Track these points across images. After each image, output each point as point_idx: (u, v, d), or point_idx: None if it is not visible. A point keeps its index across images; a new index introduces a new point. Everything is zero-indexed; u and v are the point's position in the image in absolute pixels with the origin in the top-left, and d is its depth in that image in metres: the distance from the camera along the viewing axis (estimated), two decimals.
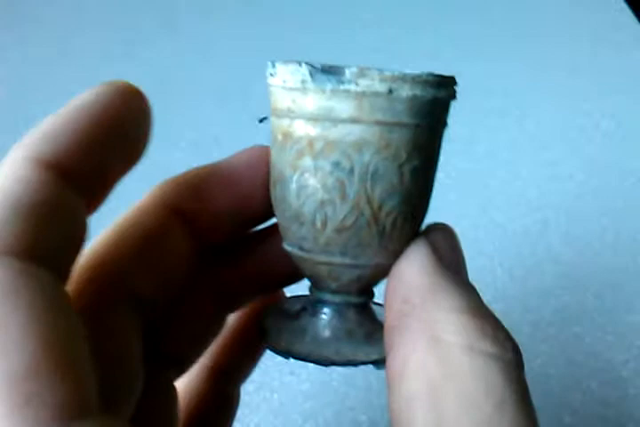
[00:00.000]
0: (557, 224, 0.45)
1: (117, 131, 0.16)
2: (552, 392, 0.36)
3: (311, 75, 0.17)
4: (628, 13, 0.66)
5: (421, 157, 0.18)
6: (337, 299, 0.20)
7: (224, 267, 0.22)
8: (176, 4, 0.70)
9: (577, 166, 0.50)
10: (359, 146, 0.17)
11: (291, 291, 0.23)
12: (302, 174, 0.18)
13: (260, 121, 0.62)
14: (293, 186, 0.18)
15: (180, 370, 0.22)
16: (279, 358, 0.20)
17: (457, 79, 0.18)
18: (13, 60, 0.64)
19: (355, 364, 0.19)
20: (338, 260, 0.18)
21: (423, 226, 0.20)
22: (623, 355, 0.38)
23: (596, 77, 0.59)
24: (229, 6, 0.69)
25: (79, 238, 0.15)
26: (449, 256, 0.18)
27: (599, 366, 0.37)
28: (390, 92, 0.17)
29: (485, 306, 0.17)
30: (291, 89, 0.18)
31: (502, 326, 0.17)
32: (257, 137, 0.50)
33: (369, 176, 0.17)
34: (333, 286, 0.19)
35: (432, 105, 0.18)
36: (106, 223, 0.19)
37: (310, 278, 0.20)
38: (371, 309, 0.21)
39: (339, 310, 0.20)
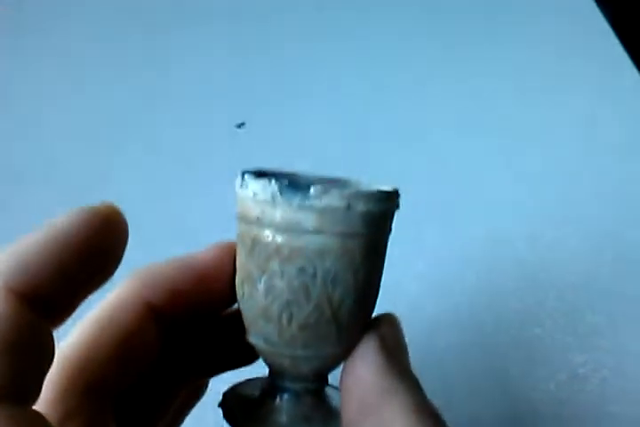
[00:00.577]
0: (521, 228, 0.47)
1: (92, 261, 0.17)
2: (511, 392, 0.37)
3: (280, 191, 0.19)
4: (598, 18, 0.67)
5: (372, 260, 0.20)
6: (296, 386, 0.22)
7: (183, 348, 0.24)
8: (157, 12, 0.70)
9: (543, 172, 0.51)
10: (321, 253, 0.19)
11: None
12: (270, 277, 0.20)
13: (238, 126, 0.62)
14: (261, 286, 0.20)
15: None
16: None
17: (399, 191, 0.21)
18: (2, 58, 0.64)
19: None
20: (300, 353, 0.20)
21: None
22: (582, 356, 0.39)
23: (564, 85, 0.60)
24: (216, 11, 0.70)
25: (49, 362, 0.16)
26: (396, 349, 0.21)
27: (558, 367, 0.39)
28: (348, 207, 0.19)
29: (429, 403, 0.19)
30: (260, 201, 0.20)
31: (442, 421, 0.19)
32: (235, 143, 0.50)
33: (330, 280, 0.19)
34: (294, 374, 0.21)
35: (381, 216, 0.20)
36: None
37: (272, 367, 0.22)
38: (325, 393, 0.23)
39: (297, 396, 0.22)
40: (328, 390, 0.23)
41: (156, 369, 0.23)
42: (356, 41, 0.66)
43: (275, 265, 0.20)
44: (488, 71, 0.62)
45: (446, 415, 0.19)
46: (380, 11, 0.69)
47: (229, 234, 0.23)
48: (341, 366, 0.21)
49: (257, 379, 0.24)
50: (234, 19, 0.69)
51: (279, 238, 0.19)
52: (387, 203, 0.20)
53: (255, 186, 0.20)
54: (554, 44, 0.65)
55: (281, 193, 0.19)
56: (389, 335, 0.21)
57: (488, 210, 0.48)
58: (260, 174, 0.20)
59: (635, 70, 0.60)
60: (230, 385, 0.24)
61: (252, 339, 0.21)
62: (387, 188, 0.21)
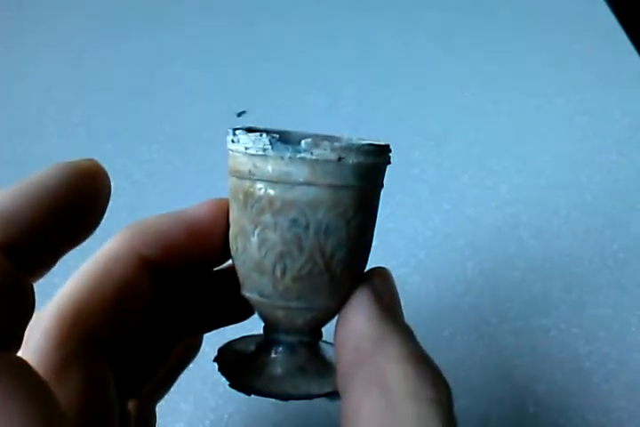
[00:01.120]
0: (528, 218, 0.46)
1: (72, 216, 0.17)
2: (517, 382, 0.37)
3: (271, 144, 0.19)
4: (603, 7, 0.67)
5: (364, 213, 0.21)
6: (290, 338, 0.22)
7: (178, 302, 0.24)
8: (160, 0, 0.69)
9: (548, 161, 0.51)
10: (314, 205, 0.20)
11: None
12: (263, 229, 0.20)
13: (239, 115, 0.62)
14: (254, 239, 0.20)
15: (132, 395, 0.24)
16: None
17: (391, 147, 0.21)
18: None
19: (310, 397, 0.21)
20: (294, 304, 0.21)
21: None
22: (587, 347, 0.39)
23: (568, 73, 0.60)
24: (214, 3, 0.69)
25: (29, 313, 0.16)
26: (389, 300, 0.21)
27: (564, 358, 0.38)
28: (339, 159, 0.19)
29: (422, 349, 0.19)
30: (252, 155, 0.20)
31: (438, 371, 0.19)
32: None
33: (322, 231, 0.20)
34: (288, 327, 0.22)
35: (372, 170, 0.20)
36: None
37: (266, 320, 0.22)
38: (319, 347, 0.23)
39: (292, 349, 0.22)
40: (322, 345, 0.23)
41: (151, 323, 0.23)
42: (358, 30, 0.65)
43: (267, 218, 0.20)
44: (491, 60, 0.61)
45: None
46: (383, 1, 0.69)
47: None
48: (335, 320, 0.21)
49: (252, 336, 0.24)
50: (236, 7, 0.68)
51: (271, 191, 0.20)
52: (378, 156, 0.20)
53: (246, 140, 0.20)
54: (558, 33, 0.65)
55: (272, 146, 0.19)
56: (382, 287, 0.21)
57: (493, 200, 0.47)
58: (251, 131, 0.21)
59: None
60: (225, 342, 0.24)
61: (247, 292, 0.22)
62: (378, 142, 0.21)
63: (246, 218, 0.20)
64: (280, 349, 0.22)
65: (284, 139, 0.20)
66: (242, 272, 0.21)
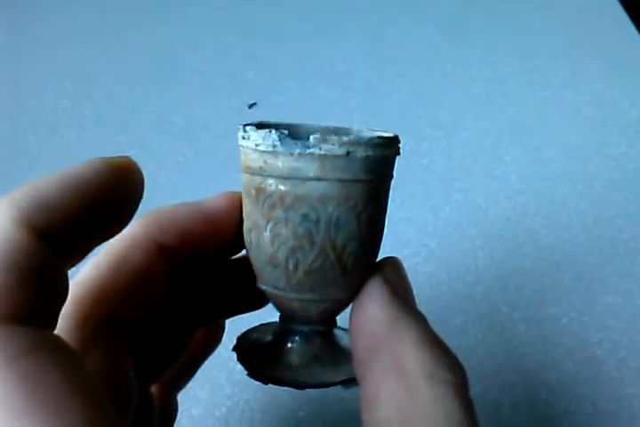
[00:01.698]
0: (538, 208, 0.46)
1: (107, 209, 0.18)
2: (529, 371, 0.37)
3: (280, 140, 0.20)
4: (613, 1, 0.67)
5: (375, 205, 0.21)
6: (305, 328, 0.23)
7: (195, 291, 0.25)
8: None
9: (557, 152, 0.51)
10: (324, 200, 0.20)
11: None
12: (275, 224, 0.20)
13: (250, 107, 0.62)
14: (267, 234, 0.21)
15: (154, 381, 0.25)
16: None
17: (400, 138, 0.22)
18: (4, 44, 0.63)
19: (326, 385, 0.22)
20: (308, 296, 0.21)
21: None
22: (598, 335, 0.39)
23: (576, 65, 0.60)
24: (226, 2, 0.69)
25: (63, 297, 0.17)
26: (401, 288, 0.21)
27: (574, 346, 0.38)
28: (348, 154, 0.20)
29: (437, 336, 0.20)
30: (262, 152, 0.20)
31: (453, 354, 0.19)
32: (244, 122, 0.50)
33: (332, 225, 0.20)
34: (303, 317, 0.22)
35: (382, 162, 0.21)
36: None
37: (282, 311, 0.23)
38: (334, 335, 0.24)
39: (307, 338, 0.23)
40: (337, 332, 0.24)
41: (169, 310, 0.24)
42: (367, 21, 0.65)
43: (279, 213, 0.20)
44: (501, 52, 0.61)
45: None
46: None
47: None
48: (349, 309, 0.22)
49: (270, 324, 0.25)
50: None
51: (282, 187, 0.20)
52: (386, 148, 0.20)
53: (256, 137, 0.20)
54: (567, 25, 0.65)
55: (281, 142, 0.20)
56: (394, 276, 0.21)
57: (503, 190, 0.48)
58: (261, 126, 0.21)
59: None
60: (244, 331, 0.25)
61: (262, 285, 0.22)
62: (387, 134, 0.21)
63: (259, 213, 0.21)
64: (296, 338, 0.23)
65: (293, 134, 0.20)
66: (257, 265, 0.22)
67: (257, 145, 0.20)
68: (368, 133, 0.22)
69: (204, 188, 0.47)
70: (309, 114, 0.54)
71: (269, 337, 0.24)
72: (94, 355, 0.19)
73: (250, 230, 0.22)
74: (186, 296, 0.24)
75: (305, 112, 0.54)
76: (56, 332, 0.18)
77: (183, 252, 0.23)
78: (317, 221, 0.20)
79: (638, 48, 0.61)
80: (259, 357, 0.23)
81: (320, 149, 0.19)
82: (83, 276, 0.21)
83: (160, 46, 0.62)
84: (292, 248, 0.20)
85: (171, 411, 0.27)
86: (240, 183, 0.22)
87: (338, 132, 0.23)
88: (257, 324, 0.26)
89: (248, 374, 0.22)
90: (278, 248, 0.20)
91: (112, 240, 0.22)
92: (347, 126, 0.24)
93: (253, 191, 0.21)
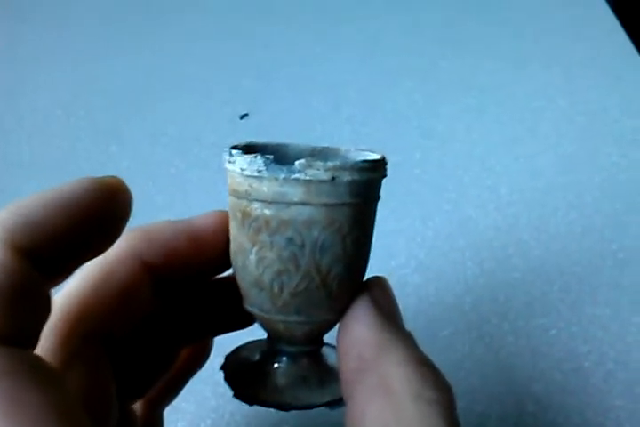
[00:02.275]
0: (528, 219, 0.47)
1: (94, 228, 0.18)
2: (517, 382, 0.37)
3: (266, 166, 0.20)
4: (604, 8, 0.67)
5: (360, 228, 0.21)
6: (292, 349, 0.23)
7: (181, 309, 0.25)
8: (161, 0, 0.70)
9: (549, 162, 0.51)
10: (309, 224, 0.20)
11: None
12: (260, 248, 0.20)
13: (241, 117, 0.63)
14: (253, 257, 0.21)
15: (137, 398, 0.25)
16: None
17: (387, 159, 0.21)
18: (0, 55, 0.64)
19: (311, 407, 0.22)
20: (293, 318, 0.21)
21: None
22: (586, 346, 0.39)
23: (570, 74, 0.60)
24: (217, 5, 0.70)
25: (45, 316, 0.17)
26: (388, 307, 0.21)
27: (562, 357, 0.38)
28: (333, 179, 0.20)
29: (423, 353, 0.20)
30: (248, 176, 0.20)
31: (441, 373, 0.19)
32: (237, 134, 0.51)
33: (317, 249, 0.20)
34: (289, 339, 0.22)
35: (367, 185, 0.21)
36: None
37: (268, 332, 0.23)
38: (321, 354, 0.24)
39: (294, 359, 0.23)
40: (325, 350, 0.24)
41: (153, 328, 0.24)
42: (361, 31, 0.66)
43: (264, 237, 0.20)
44: (494, 61, 0.61)
45: None
46: (386, 1, 0.69)
47: None
48: (337, 329, 0.22)
49: (260, 341, 0.25)
50: (239, 8, 0.69)
51: (267, 211, 0.20)
52: (372, 172, 0.20)
53: (242, 162, 0.20)
54: (560, 34, 0.65)
55: (267, 168, 0.20)
56: (381, 296, 0.22)
57: (494, 201, 0.48)
58: (247, 149, 0.21)
59: None
60: (233, 348, 0.25)
61: (248, 306, 0.22)
62: (373, 156, 0.21)
63: (244, 236, 0.21)
64: (283, 359, 0.23)
65: (279, 156, 0.20)
66: (243, 287, 0.22)
67: (242, 169, 0.20)
68: (355, 155, 0.23)
69: (196, 199, 0.48)
70: (303, 123, 0.54)
71: (257, 356, 0.24)
72: (76, 372, 0.19)
73: (236, 253, 0.22)
74: (171, 314, 0.24)
75: (298, 121, 0.54)
76: (38, 348, 0.19)
77: (168, 269, 0.23)
78: (302, 245, 0.20)
79: (631, 57, 0.61)
80: (245, 377, 0.23)
81: (305, 174, 0.19)
82: (67, 292, 0.21)
83: (154, 57, 0.63)
84: (278, 271, 0.20)
85: None
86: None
87: (325, 153, 0.23)
88: (245, 338, 0.26)
89: (234, 395, 0.22)
90: (264, 271, 0.21)
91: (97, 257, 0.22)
92: (335, 146, 0.24)
93: (239, 214, 0.21)
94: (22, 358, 0.15)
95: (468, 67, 0.61)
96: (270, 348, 0.23)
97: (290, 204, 0.20)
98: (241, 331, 0.26)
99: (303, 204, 0.20)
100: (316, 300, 0.21)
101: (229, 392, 0.22)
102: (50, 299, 0.17)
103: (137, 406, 0.26)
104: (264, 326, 0.23)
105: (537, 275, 0.43)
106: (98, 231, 0.18)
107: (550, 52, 0.63)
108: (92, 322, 0.21)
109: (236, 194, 0.21)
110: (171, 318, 0.25)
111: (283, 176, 0.19)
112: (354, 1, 0.70)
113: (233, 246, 0.22)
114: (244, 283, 0.22)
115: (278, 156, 0.20)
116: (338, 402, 0.22)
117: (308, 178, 0.19)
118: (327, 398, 0.22)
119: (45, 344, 0.19)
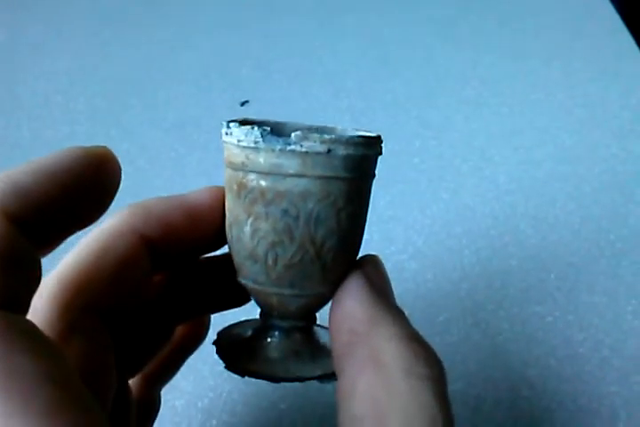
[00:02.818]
0: (526, 208, 0.47)
1: (83, 197, 0.18)
2: (512, 367, 0.38)
3: (262, 137, 0.20)
4: (604, 1, 0.67)
5: (355, 203, 0.21)
6: (285, 324, 0.23)
7: (176, 286, 0.25)
8: None
9: (547, 153, 0.51)
10: (304, 196, 0.20)
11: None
12: (256, 219, 0.21)
13: (242, 104, 0.63)
14: (248, 228, 0.21)
15: (133, 374, 0.25)
16: None
17: (383, 137, 0.22)
18: (1, 42, 0.64)
19: (301, 380, 0.22)
20: (287, 291, 0.21)
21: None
22: (581, 334, 0.39)
23: (569, 67, 0.60)
24: None
25: (36, 283, 0.17)
26: (380, 284, 0.22)
27: (558, 344, 0.39)
28: (329, 151, 0.20)
29: (414, 329, 0.20)
30: (244, 147, 0.20)
31: (431, 349, 0.19)
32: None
33: (312, 221, 0.20)
34: (282, 312, 0.22)
35: (362, 161, 0.21)
36: None
37: (261, 306, 0.23)
38: (313, 331, 0.24)
39: (287, 333, 0.23)
40: (317, 330, 0.24)
41: (150, 304, 0.24)
42: (360, 21, 0.66)
43: (260, 208, 0.20)
44: (493, 53, 0.62)
45: None
46: None
47: None
48: (329, 306, 0.22)
49: (252, 320, 0.25)
50: None
51: (263, 182, 0.20)
52: (368, 148, 0.21)
53: (239, 133, 0.20)
54: (559, 26, 0.65)
55: (263, 139, 0.20)
56: (373, 273, 0.22)
57: (492, 190, 0.48)
58: (245, 123, 0.21)
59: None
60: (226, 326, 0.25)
61: (242, 279, 0.22)
62: (369, 133, 0.21)
63: (240, 208, 0.21)
64: (275, 333, 0.23)
65: (275, 131, 0.20)
66: (237, 260, 0.22)
67: (239, 141, 0.20)
68: (351, 132, 0.23)
69: (195, 183, 0.47)
70: (301, 112, 0.54)
71: (250, 332, 0.24)
72: (75, 342, 0.19)
73: (231, 225, 0.22)
74: (167, 291, 0.25)
75: (297, 111, 0.54)
76: (39, 318, 0.18)
77: (165, 244, 0.23)
78: (297, 217, 0.20)
79: (631, 51, 0.61)
80: (237, 351, 0.23)
81: (301, 146, 0.20)
82: (65, 264, 0.21)
83: (153, 43, 0.63)
84: (272, 243, 0.20)
85: (152, 407, 0.27)
86: None
87: (322, 130, 0.23)
88: (243, 318, 0.26)
89: (225, 367, 0.22)
90: (258, 243, 0.21)
91: (95, 230, 0.22)
92: (332, 126, 0.24)
93: (235, 186, 0.21)
94: (15, 321, 0.14)
95: (467, 59, 0.61)
96: (263, 323, 0.23)
97: (286, 175, 0.20)
98: (238, 313, 0.26)
99: (299, 175, 0.20)
100: (309, 272, 0.21)
101: (227, 372, 0.22)
102: (40, 267, 0.17)
103: (134, 386, 0.26)
104: (257, 299, 0.23)
105: (533, 263, 0.43)
106: (86, 200, 0.18)
107: (550, 45, 0.63)
108: (91, 294, 0.21)
109: (233, 166, 0.21)
110: (168, 293, 0.25)
111: (279, 147, 0.20)
112: None
113: (228, 218, 0.22)
114: (238, 255, 0.22)
115: (276, 131, 0.20)
116: (329, 376, 0.22)
117: (304, 150, 0.20)
118: (318, 372, 0.22)
119: (44, 315, 0.19)
